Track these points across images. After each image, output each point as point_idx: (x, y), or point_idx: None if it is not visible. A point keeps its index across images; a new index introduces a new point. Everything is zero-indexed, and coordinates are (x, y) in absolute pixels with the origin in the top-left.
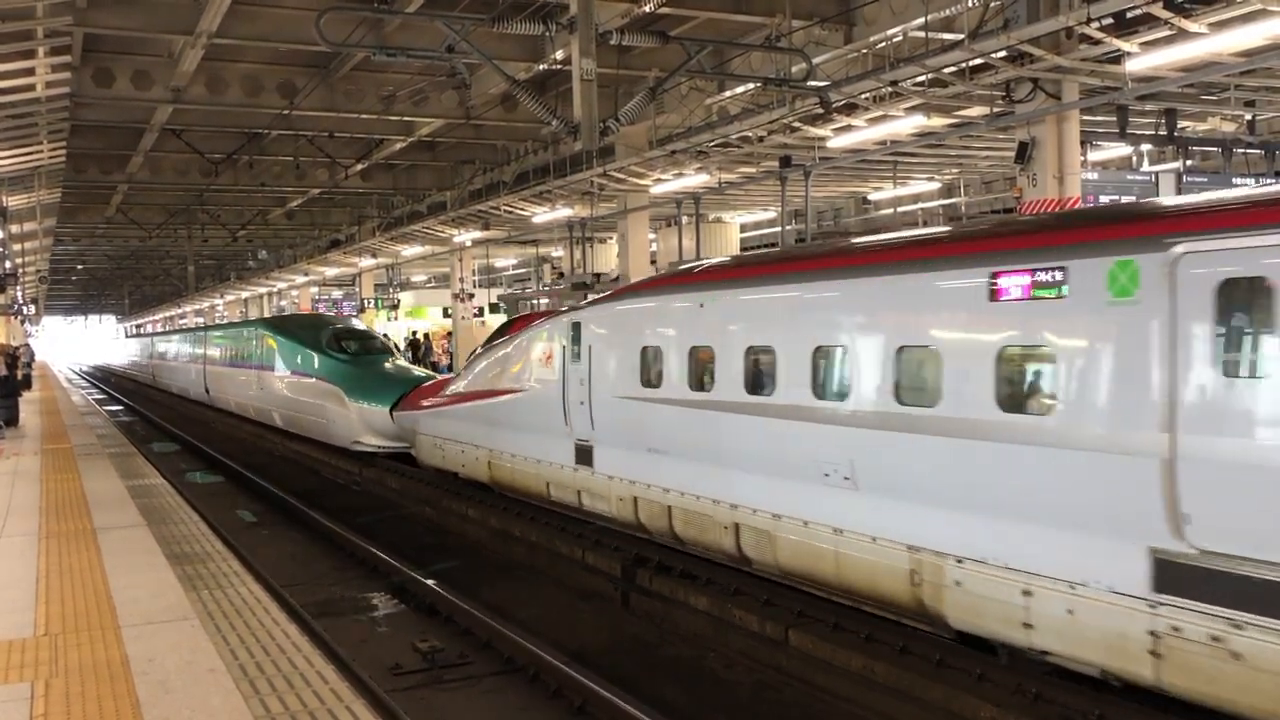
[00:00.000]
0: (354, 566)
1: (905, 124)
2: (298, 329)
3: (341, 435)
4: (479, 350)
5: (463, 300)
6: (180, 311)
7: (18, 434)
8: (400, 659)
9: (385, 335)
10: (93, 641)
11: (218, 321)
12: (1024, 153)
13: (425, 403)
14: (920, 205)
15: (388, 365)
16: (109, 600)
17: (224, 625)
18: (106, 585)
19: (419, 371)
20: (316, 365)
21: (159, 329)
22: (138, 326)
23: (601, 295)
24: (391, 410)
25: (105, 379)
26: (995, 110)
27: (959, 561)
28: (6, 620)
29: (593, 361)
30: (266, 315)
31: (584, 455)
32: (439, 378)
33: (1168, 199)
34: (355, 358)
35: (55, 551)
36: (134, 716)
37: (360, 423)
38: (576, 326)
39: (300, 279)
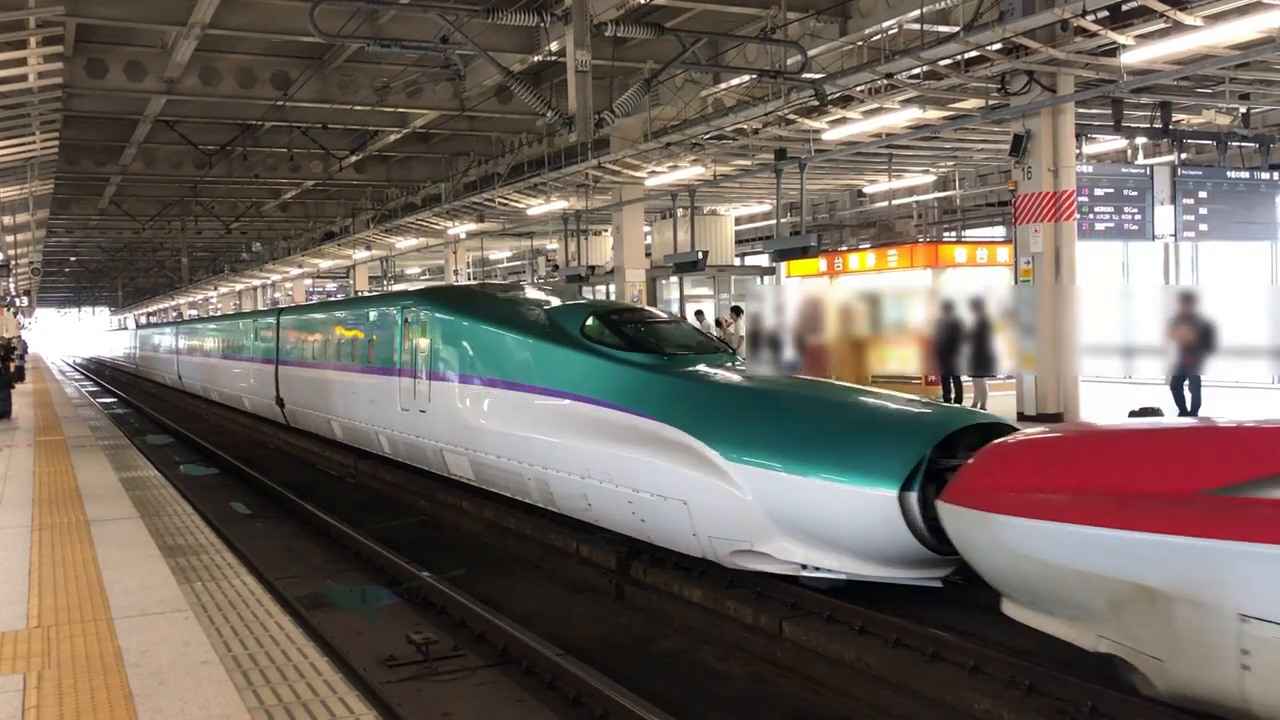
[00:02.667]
0: (348, 559)
1: (900, 117)
2: (513, 308)
3: (705, 533)
4: None
5: None
6: (230, 290)
7: (10, 426)
8: (394, 651)
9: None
10: (85, 633)
11: (296, 303)
12: (1019, 146)
13: None
14: (915, 198)
15: (827, 389)
16: (102, 592)
17: (217, 617)
18: (99, 577)
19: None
20: (609, 380)
21: (183, 315)
22: (149, 315)
23: None
24: (931, 498)
25: (100, 372)
26: (990, 103)
27: None
28: None
29: None
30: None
31: None
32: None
33: None
34: (674, 362)
35: (48, 544)
36: (127, 708)
37: (764, 512)
38: None
39: (294, 271)
